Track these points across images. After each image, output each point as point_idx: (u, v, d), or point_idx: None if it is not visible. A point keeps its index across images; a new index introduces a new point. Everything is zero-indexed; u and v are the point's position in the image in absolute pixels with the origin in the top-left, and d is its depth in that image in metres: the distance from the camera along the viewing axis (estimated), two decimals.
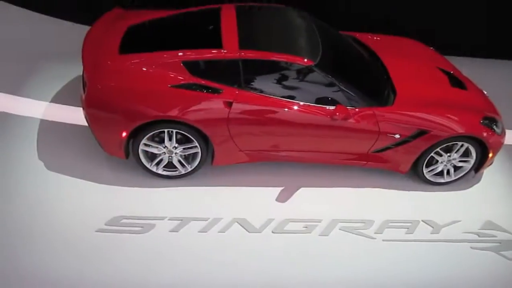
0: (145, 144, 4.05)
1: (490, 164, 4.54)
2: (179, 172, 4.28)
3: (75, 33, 5.06)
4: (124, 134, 3.94)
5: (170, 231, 3.90)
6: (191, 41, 4.10)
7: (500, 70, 6.40)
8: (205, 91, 3.88)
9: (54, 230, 3.81)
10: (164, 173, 4.27)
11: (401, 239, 4.06)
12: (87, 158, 4.43)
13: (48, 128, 4.69)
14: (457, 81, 4.78)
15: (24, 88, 5.12)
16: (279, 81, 4.03)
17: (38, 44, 5.78)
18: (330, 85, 4.04)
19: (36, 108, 4.89)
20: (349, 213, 4.23)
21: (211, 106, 3.91)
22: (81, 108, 4.12)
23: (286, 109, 3.98)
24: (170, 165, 4.25)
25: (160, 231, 3.89)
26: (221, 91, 3.90)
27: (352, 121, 4.05)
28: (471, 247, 4.06)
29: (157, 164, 4.22)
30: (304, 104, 3.99)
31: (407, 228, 4.16)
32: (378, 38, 5.34)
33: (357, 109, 4.06)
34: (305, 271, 3.75)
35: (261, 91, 3.96)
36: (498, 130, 4.36)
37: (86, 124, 4.68)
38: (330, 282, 3.71)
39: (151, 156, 4.19)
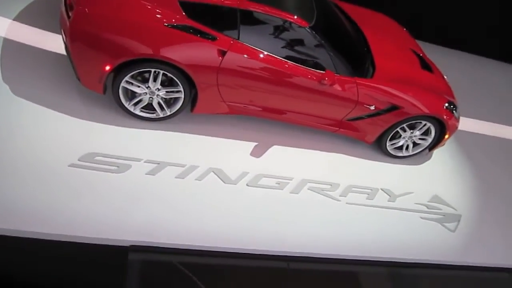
0: (127, 82, 3.87)
1: (443, 145, 4.98)
2: (157, 115, 4.15)
3: None
4: (107, 67, 3.71)
5: (147, 174, 3.83)
6: None
7: (455, 59, 6.91)
8: (199, 36, 3.76)
9: (24, 160, 3.55)
10: (142, 114, 4.12)
11: (362, 204, 4.37)
12: (57, 88, 4.12)
13: (12, 49, 4.25)
14: (425, 64, 5.10)
15: None
16: (274, 38, 4.02)
17: None
18: (320, 49, 4.12)
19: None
20: (318, 175, 4.44)
21: (204, 52, 3.81)
22: (59, 34, 3.81)
23: (277, 67, 4.00)
24: (148, 107, 4.11)
25: (136, 173, 3.80)
26: (216, 39, 3.81)
27: (335, 87, 4.20)
28: (420, 217, 4.49)
29: (135, 104, 4.06)
30: (295, 65, 4.04)
31: (368, 194, 4.48)
32: (358, 10, 5.48)
33: (341, 77, 4.20)
34: (274, 225, 3.91)
35: (256, 45, 3.93)
36: (456, 115, 4.77)
37: (54, 50, 4.42)
38: (296, 236, 3.91)
39: (131, 95, 4.02)
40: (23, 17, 4.58)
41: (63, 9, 3.77)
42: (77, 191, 3.53)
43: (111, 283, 3.40)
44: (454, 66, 6.30)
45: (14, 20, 4.50)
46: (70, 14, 3.63)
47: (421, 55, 5.23)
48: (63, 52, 4.17)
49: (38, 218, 3.31)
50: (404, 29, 5.67)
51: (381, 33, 5.13)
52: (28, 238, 3.26)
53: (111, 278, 3.36)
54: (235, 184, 4.06)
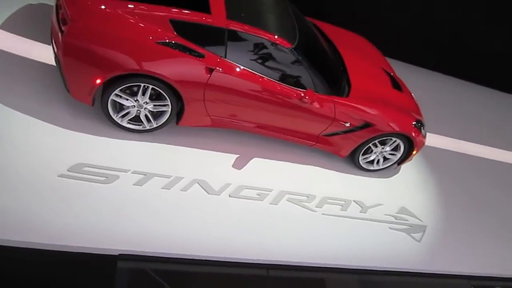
0: (117, 95, 4.00)
1: (410, 160, 5.33)
2: (143, 127, 4.30)
3: None
4: (98, 81, 3.83)
5: (134, 185, 3.96)
6: None
7: (421, 77, 7.35)
8: (188, 53, 3.94)
9: (14, 169, 3.62)
10: (128, 125, 4.26)
11: (336, 215, 4.64)
12: (45, 98, 4.20)
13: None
14: (396, 83, 5.45)
15: None
16: (258, 57, 4.24)
17: None
18: (301, 68, 4.37)
19: None
20: (295, 187, 4.69)
21: (193, 69, 3.99)
22: (44, 43, 3.89)
23: (260, 85, 4.23)
24: (135, 119, 4.25)
25: (124, 184, 3.93)
26: (204, 56, 3.99)
27: (314, 105, 4.46)
28: (389, 228, 4.82)
29: (123, 116, 4.19)
30: (278, 83, 4.28)
31: (342, 205, 4.76)
32: (334, 29, 5.79)
33: (320, 95, 4.46)
34: (256, 234, 4.12)
35: (241, 63, 4.14)
36: (423, 132, 5.14)
37: (41, 60, 4.49)
38: (275, 245, 4.13)
39: (119, 107, 4.14)
40: (9, 26, 4.62)
41: (55, 21, 3.87)
42: (66, 201, 3.63)
43: None
44: (420, 84, 6.69)
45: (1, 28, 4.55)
46: (62, 28, 3.73)
47: (392, 74, 5.58)
48: (50, 61, 4.29)
49: (27, 228, 3.39)
50: (375, 47, 6.03)
51: (355, 52, 5.45)
52: (18, 247, 3.33)
53: (100, 286, 3.48)
54: (219, 195, 4.24)
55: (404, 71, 6.08)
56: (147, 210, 3.86)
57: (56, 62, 4.04)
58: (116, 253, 3.55)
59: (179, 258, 3.75)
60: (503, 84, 8.39)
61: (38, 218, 3.46)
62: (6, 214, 3.37)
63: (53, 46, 4.02)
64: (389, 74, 5.53)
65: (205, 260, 3.85)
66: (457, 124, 6.86)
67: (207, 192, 4.21)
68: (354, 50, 5.49)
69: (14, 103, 4.03)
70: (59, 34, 3.76)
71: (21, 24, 4.70)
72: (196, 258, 3.80)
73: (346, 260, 4.35)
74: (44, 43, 4.59)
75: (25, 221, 3.39)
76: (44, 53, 4.48)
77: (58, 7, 3.90)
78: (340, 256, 4.35)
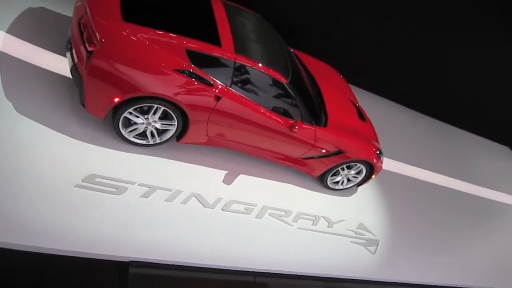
0: (130, 112, 4.32)
1: (368, 182, 6.15)
2: (147, 142, 4.65)
3: None
4: (117, 99, 4.14)
5: (141, 197, 4.33)
6: (191, 29, 4.45)
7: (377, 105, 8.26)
8: (200, 81, 4.36)
9: (30, 178, 3.84)
10: (134, 140, 4.59)
11: (309, 229, 5.31)
12: (54, 108, 4.41)
13: (9, 64, 4.41)
14: (360, 114, 6.24)
15: None
16: (257, 87, 4.74)
17: None
18: (291, 100, 4.95)
19: None
20: (275, 202, 5.28)
21: (203, 96, 4.42)
22: (51, 51, 4.17)
23: (256, 113, 4.75)
24: (140, 134, 4.59)
25: (132, 195, 4.29)
26: (212, 84, 4.44)
27: (299, 133, 5.07)
28: (350, 241, 5.58)
29: (130, 131, 4.51)
30: (272, 112, 4.83)
31: (313, 220, 5.44)
32: (309, 58, 6.45)
33: (305, 125, 5.09)
34: (245, 245, 4.67)
35: (243, 92, 4.64)
36: (382, 159, 5.97)
37: (47, 68, 4.68)
38: (261, 254, 4.71)
39: (127, 122, 4.46)
40: (14, 30, 4.72)
41: (78, 38, 4.10)
42: (82, 210, 3.94)
43: None
44: (374, 111, 7.59)
45: (7, 32, 4.63)
46: (89, 48, 3.98)
47: (357, 105, 6.37)
48: (57, 70, 4.53)
49: (45, 235, 3.68)
50: (341, 76, 6.79)
51: (329, 83, 6.14)
52: (35, 252, 3.60)
53: None
54: (213, 208, 4.72)
55: (361, 98, 6.90)
56: (153, 221, 4.26)
57: (73, 75, 4.27)
58: (128, 260, 3.92)
59: (179, 265, 4.20)
60: (448, 116, 9.58)
61: (55, 226, 3.74)
62: (24, 221, 3.62)
63: (72, 59, 4.23)
64: (354, 105, 6.30)
65: (200, 267, 4.33)
66: (407, 151, 7.85)
67: (203, 206, 4.67)
68: (328, 80, 6.19)
69: (26, 112, 4.21)
70: (85, 53, 4.01)
71: (26, 29, 4.80)
72: (191, 265, 4.27)
73: (316, 269, 5.04)
74: (50, 50, 4.78)
75: (42, 228, 3.68)
76: (53, 62, 4.68)
77: (81, 25, 4.13)
78: (311, 265, 5.03)
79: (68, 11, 5.27)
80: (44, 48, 4.79)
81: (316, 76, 6.06)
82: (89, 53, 3.98)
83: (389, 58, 7.96)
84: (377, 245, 5.78)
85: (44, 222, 3.69)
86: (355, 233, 5.72)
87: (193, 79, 4.32)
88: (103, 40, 3.95)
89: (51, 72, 4.65)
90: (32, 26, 4.89)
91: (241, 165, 5.35)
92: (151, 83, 4.17)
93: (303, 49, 6.53)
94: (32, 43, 4.74)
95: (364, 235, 5.79)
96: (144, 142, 4.65)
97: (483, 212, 7.97)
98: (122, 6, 4.26)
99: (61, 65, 4.72)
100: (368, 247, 5.67)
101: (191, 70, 4.31)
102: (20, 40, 4.68)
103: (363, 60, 7.88)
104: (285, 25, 6.21)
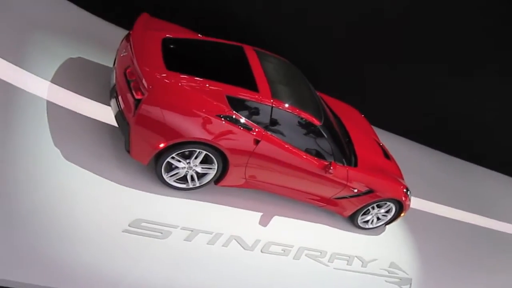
0: (172, 157, 4.43)
1: (396, 221, 6.19)
2: (187, 186, 4.74)
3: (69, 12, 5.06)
4: (162, 145, 4.26)
5: (185, 240, 4.37)
6: (229, 76, 4.65)
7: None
8: (240, 126, 4.50)
9: (79, 223, 3.91)
10: (175, 184, 4.68)
11: (345, 269, 5.32)
12: (98, 153, 4.53)
13: (56, 113, 4.57)
14: (386, 153, 6.36)
15: (25, 60, 4.80)
16: (292, 130, 4.89)
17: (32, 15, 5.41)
18: (324, 141, 5.09)
19: (39, 86, 4.71)
20: (310, 242, 5.32)
21: (242, 140, 4.55)
22: (95, 100, 4.36)
23: (293, 155, 4.87)
24: (180, 178, 4.68)
25: (176, 239, 4.34)
26: (252, 129, 4.58)
27: (334, 173, 5.17)
28: (385, 281, 5.57)
29: (171, 175, 4.61)
30: (307, 154, 4.95)
31: (347, 260, 5.45)
32: (331, 100, 6.64)
33: (339, 166, 5.20)
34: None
35: (279, 135, 4.77)
36: (410, 197, 6.04)
37: (89, 115, 4.82)
38: None
39: (169, 167, 4.56)
40: (58, 80, 4.91)
41: (124, 87, 4.27)
42: (133, 255, 3.97)
43: None
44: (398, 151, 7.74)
45: (52, 82, 4.82)
46: (136, 96, 4.14)
47: (382, 144, 6.50)
48: (100, 117, 4.67)
49: (101, 280, 3.70)
50: (364, 117, 6.96)
51: (355, 124, 6.32)
52: None
53: None
54: (252, 250, 4.75)
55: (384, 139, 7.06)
56: (199, 265, 4.28)
57: (118, 122, 4.41)
58: None
59: None
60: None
61: (108, 271, 3.76)
62: (78, 268, 3.66)
63: (117, 106, 4.39)
64: (379, 145, 6.44)
65: None
66: (428, 188, 7.93)
67: (243, 248, 4.70)
68: (354, 122, 6.36)
69: (73, 158, 4.32)
70: (132, 101, 4.17)
71: (68, 78, 4.99)
72: None
73: None
74: (91, 98, 4.95)
75: (95, 274, 3.70)
76: (94, 109, 4.85)
77: (126, 74, 4.31)
78: None
79: (103, 61, 5.53)
80: (85, 96, 4.96)
81: (342, 117, 6.23)
82: (137, 101, 4.14)
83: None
84: (410, 283, 5.76)
85: (95, 268, 3.72)
86: (388, 272, 5.71)
87: (233, 124, 4.46)
88: (151, 87, 4.12)
89: (94, 119, 4.80)
90: (73, 75, 5.08)
91: (275, 206, 5.41)
92: (194, 129, 4.30)
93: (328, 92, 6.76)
94: (74, 92, 4.91)
95: (397, 274, 5.77)
96: (184, 186, 4.73)
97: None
98: (165, 56, 4.47)
99: (101, 112, 4.89)
100: (402, 286, 5.65)
101: (232, 116, 4.46)
102: (63, 89, 4.86)
103: (387, 101, 8.12)
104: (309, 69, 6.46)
